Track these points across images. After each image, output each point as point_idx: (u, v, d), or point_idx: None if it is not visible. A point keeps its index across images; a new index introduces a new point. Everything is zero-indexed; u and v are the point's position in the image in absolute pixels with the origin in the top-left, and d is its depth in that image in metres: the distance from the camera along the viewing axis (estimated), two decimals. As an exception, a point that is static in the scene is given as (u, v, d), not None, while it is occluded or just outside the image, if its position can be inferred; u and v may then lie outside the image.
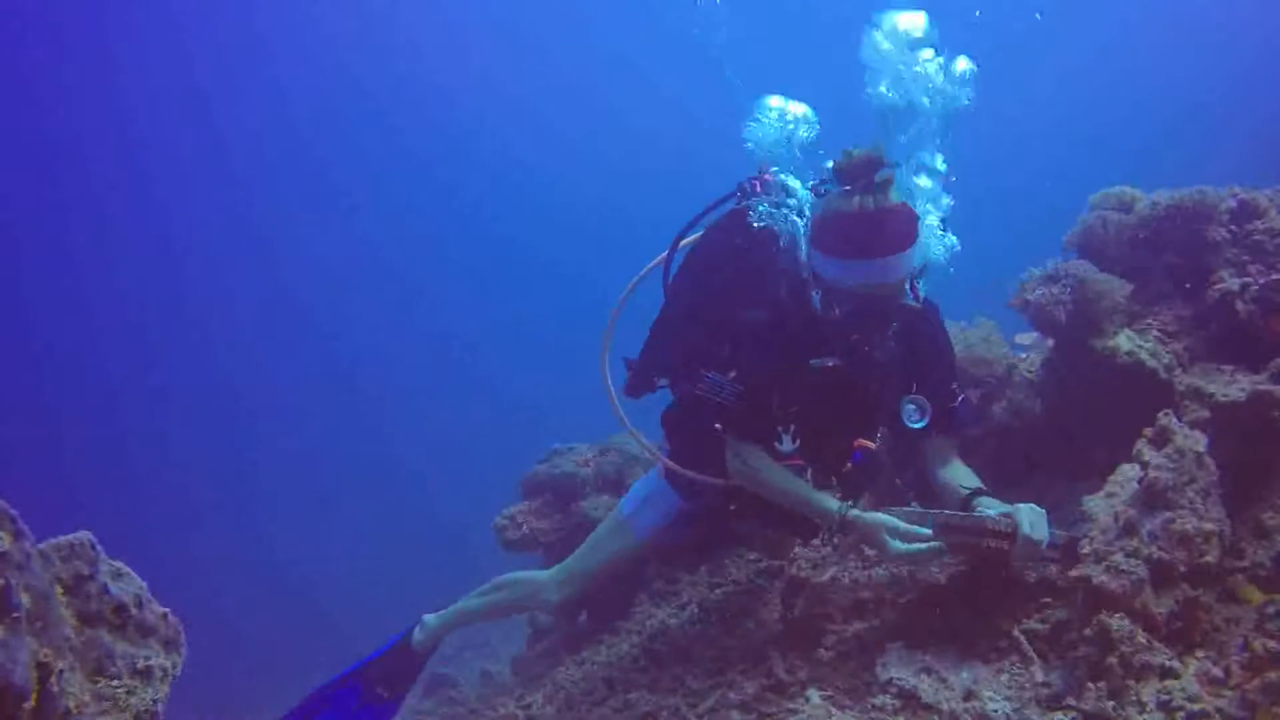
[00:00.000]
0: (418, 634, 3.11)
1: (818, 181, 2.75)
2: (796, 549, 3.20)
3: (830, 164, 2.30)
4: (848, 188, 2.22)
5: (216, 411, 22.27)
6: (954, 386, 2.60)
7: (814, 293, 2.27)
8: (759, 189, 2.70)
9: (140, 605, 1.49)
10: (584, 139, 26.65)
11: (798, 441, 2.48)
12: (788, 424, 2.49)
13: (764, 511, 2.71)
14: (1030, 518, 2.17)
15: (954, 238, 2.51)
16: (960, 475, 2.54)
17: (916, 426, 2.45)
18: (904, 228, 2.23)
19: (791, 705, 2.25)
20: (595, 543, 2.98)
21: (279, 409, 22.24)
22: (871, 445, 2.54)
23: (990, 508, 2.31)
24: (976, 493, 2.42)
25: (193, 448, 20.29)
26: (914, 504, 2.93)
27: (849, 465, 2.55)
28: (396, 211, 27.09)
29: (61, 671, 1.28)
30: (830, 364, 2.39)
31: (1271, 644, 1.86)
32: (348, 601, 10.06)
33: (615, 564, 2.98)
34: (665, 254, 2.82)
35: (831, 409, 2.51)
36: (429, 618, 3.13)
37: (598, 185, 26.33)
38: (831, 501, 2.36)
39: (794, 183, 2.74)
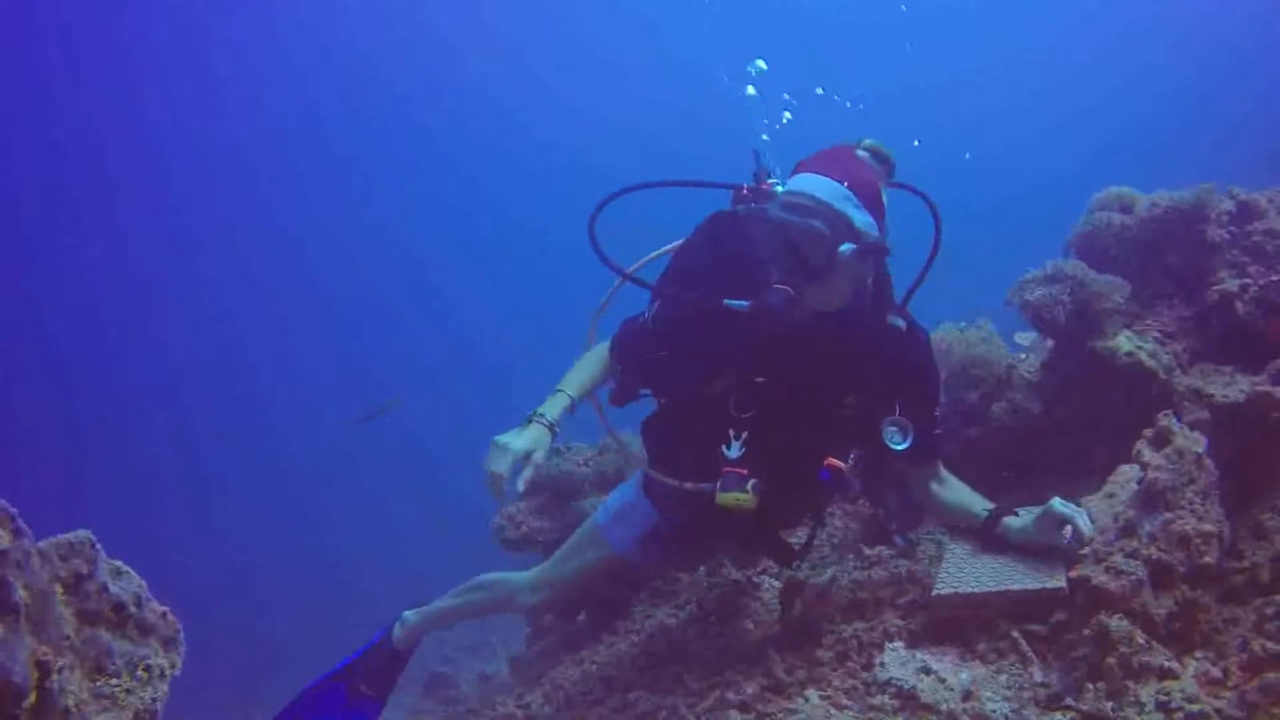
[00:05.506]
0: (398, 631, 3.10)
1: None
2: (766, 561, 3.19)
3: None
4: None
5: (235, 407, 22.20)
6: (936, 415, 2.54)
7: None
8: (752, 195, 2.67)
9: (139, 604, 1.50)
10: (611, 124, 26.23)
11: (746, 449, 2.40)
12: (740, 429, 2.42)
13: (740, 531, 2.67)
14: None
15: None
16: (966, 496, 2.52)
17: (899, 448, 2.37)
18: (851, 163, 2.25)
19: (791, 705, 2.24)
20: (570, 550, 2.91)
21: (298, 403, 22.17)
22: (841, 465, 2.45)
23: (1014, 526, 2.32)
24: (998, 513, 2.38)
25: (210, 441, 20.27)
26: (894, 531, 2.93)
27: (816, 482, 2.47)
28: (416, 201, 26.84)
29: (61, 670, 1.28)
30: (744, 306, 2.27)
31: (1271, 644, 1.86)
32: (370, 588, 10.04)
33: (590, 573, 2.91)
34: (629, 271, 2.67)
35: (789, 419, 2.44)
36: (409, 615, 3.12)
37: (627, 171, 25.97)
38: None
39: None
